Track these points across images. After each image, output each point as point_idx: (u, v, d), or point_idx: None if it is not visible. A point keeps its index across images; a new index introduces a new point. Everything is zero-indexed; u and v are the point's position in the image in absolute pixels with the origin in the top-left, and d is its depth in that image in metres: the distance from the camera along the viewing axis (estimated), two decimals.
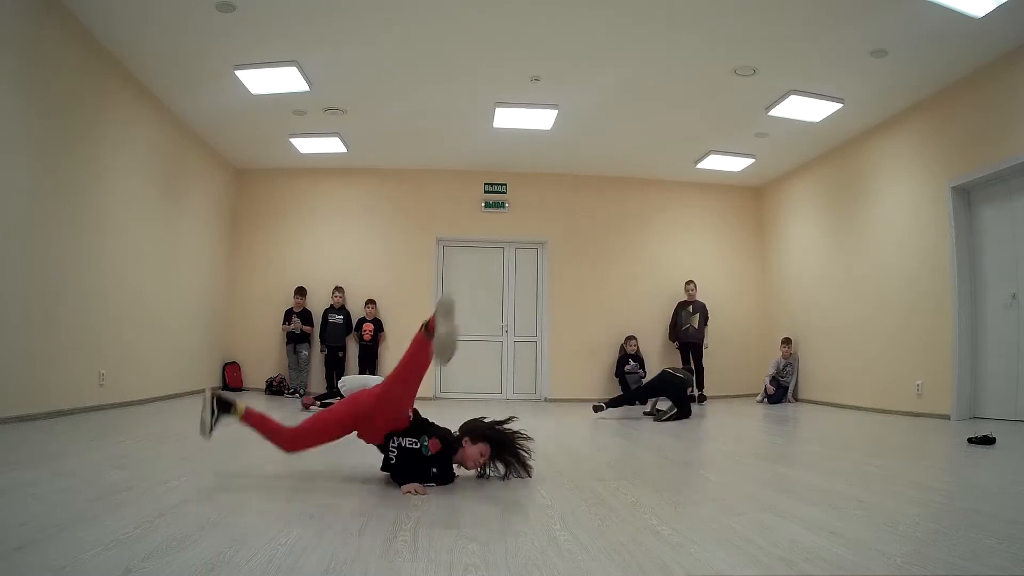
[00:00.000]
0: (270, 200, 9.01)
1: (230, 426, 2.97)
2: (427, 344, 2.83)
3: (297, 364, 8.51)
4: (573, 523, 2.22)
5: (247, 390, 8.57)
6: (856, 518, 2.30)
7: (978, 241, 6.00)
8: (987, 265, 5.91)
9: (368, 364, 8.52)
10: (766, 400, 8.36)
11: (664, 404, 6.37)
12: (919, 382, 6.37)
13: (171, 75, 6.19)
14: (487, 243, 9.24)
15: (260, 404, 7.04)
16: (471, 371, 9.02)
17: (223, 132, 7.77)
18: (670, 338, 8.97)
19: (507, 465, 2.99)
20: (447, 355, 2.78)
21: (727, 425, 5.86)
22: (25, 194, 4.71)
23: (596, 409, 6.33)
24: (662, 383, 6.28)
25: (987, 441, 4.24)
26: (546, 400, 8.85)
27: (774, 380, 8.41)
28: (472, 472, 2.99)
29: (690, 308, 8.83)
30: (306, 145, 8.10)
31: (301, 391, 8.29)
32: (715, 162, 8.55)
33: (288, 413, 5.94)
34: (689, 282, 8.93)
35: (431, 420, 3.00)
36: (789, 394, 8.39)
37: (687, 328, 8.75)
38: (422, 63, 5.99)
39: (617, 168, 9.02)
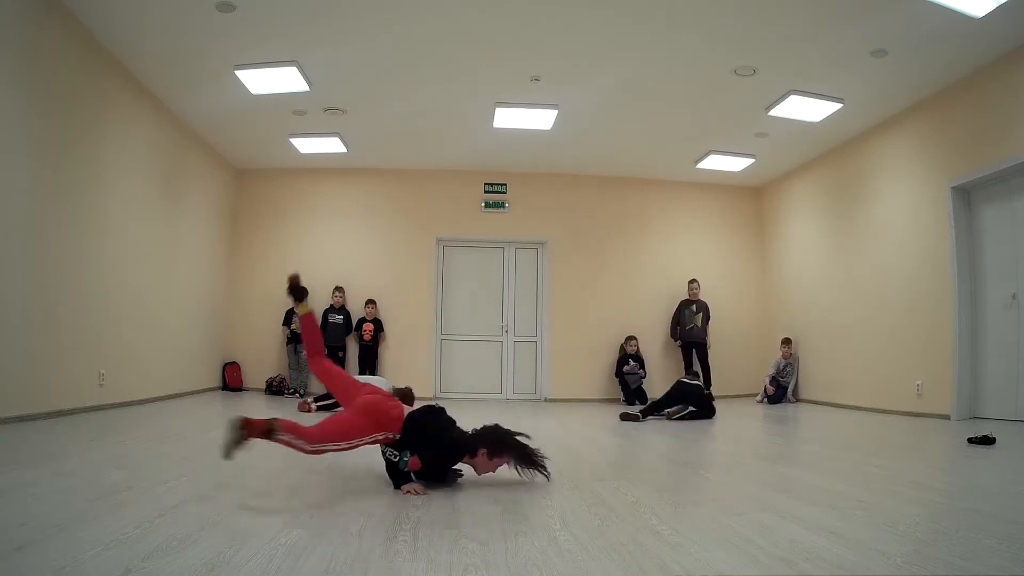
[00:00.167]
0: (270, 200, 9.01)
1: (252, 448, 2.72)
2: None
3: (297, 364, 8.51)
4: (573, 523, 2.22)
5: (247, 390, 8.58)
6: (856, 518, 2.31)
7: (978, 241, 6.00)
8: (987, 265, 5.91)
9: (368, 364, 8.52)
10: (766, 400, 8.36)
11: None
12: (919, 382, 6.37)
13: (171, 75, 6.19)
14: (487, 243, 9.24)
15: (260, 404, 7.05)
16: (471, 371, 9.03)
17: (223, 132, 7.77)
18: (672, 337, 8.97)
19: (524, 469, 2.93)
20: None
21: (727, 425, 5.86)
22: (25, 194, 4.71)
23: (630, 418, 6.04)
24: (680, 393, 6.31)
25: (987, 441, 4.24)
26: (546, 400, 8.85)
27: (774, 380, 8.41)
28: (473, 473, 2.98)
29: (693, 307, 8.83)
30: (306, 145, 8.10)
31: (301, 391, 8.30)
32: (715, 162, 8.55)
33: (287, 414, 5.94)
34: (692, 281, 8.93)
35: (443, 420, 2.96)
36: (789, 394, 8.39)
37: (691, 327, 8.76)
38: (422, 63, 5.99)
39: (617, 168, 9.02)
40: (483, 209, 9.15)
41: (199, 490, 2.59)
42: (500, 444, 2.87)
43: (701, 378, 6.69)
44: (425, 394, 8.22)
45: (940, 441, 4.76)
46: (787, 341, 8.54)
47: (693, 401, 6.21)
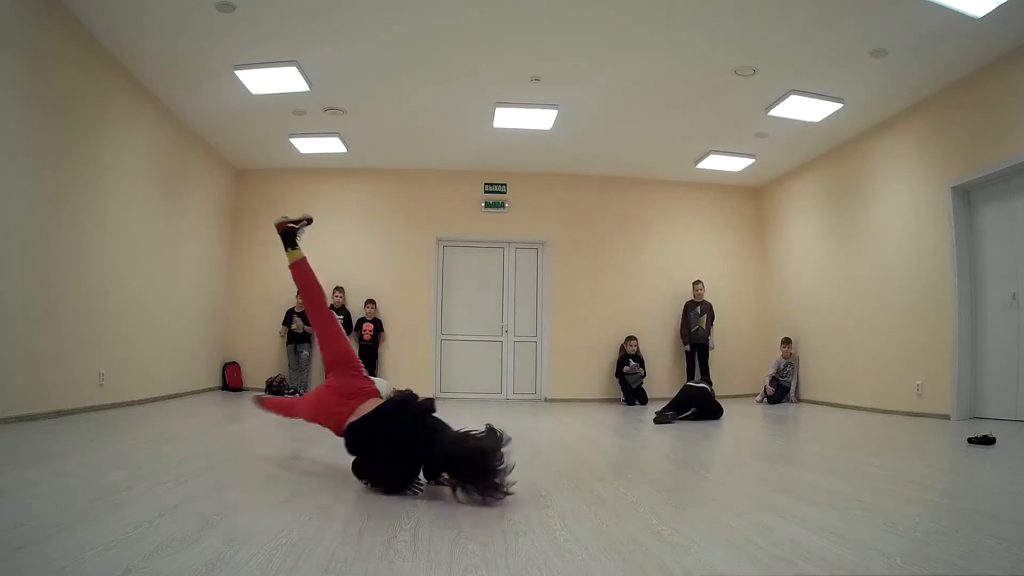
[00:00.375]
0: (270, 200, 8.98)
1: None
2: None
3: (297, 364, 8.51)
4: (573, 523, 2.21)
5: (247, 390, 8.57)
6: (856, 518, 2.30)
7: (978, 241, 6.00)
8: (987, 265, 5.91)
9: (368, 364, 8.49)
10: (766, 400, 8.36)
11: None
12: (919, 382, 6.37)
13: (171, 75, 6.19)
14: (487, 243, 9.24)
15: None
16: (471, 371, 9.03)
17: (223, 132, 7.76)
18: (683, 341, 8.95)
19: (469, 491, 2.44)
20: None
21: (727, 425, 5.85)
22: (25, 194, 4.71)
23: (662, 420, 5.87)
24: (689, 396, 6.31)
25: (987, 441, 4.24)
26: (546, 400, 8.85)
27: (774, 380, 8.41)
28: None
29: (698, 309, 8.84)
30: (306, 145, 8.10)
31: (301, 391, 8.29)
32: (715, 162, 8.54)
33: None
34: (697, 282, 8.93)
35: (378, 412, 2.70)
36: (790, 394, 8.39)
37: (696, 329, 8.77)
38: (422, 63, 5.99)
39: (617, 168, 9.02)
40: (483, 209, 9.15)
41: (199, 490, 2.59)
42: (461, 465, 2.47)
43: (713, 386, 6.71)
44: (425, 395, 8.20)
45: (940, 441, 4.76)
46: (787, 341, 8.54)
47: (698, 404, 6.22)
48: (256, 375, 8.72)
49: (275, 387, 8.45)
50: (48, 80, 4.87)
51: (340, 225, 9.03)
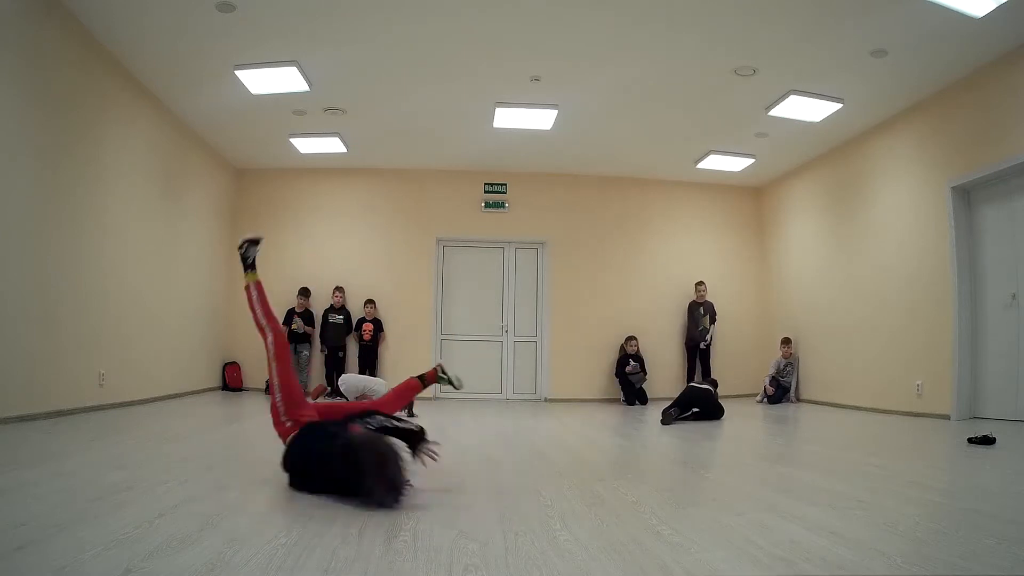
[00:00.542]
0: (270, 200, 9.00)
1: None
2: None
3: (298, 364, 8.50)
4: (573, 523, 2.21)
5: (247, 390, 8.57)
6: (856, 518, 2.30)
7: (978, 241, 6.00)
8: (987, 265, 5.91)
9: (368, 364, 8.53)
10: (766, 400, 8.35)
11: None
12: (919, 382, 6.37)
13: (171, 75, 6.19)
14: (487, 243, 9.24)
15: (260, 404, 7.03)
16: (471, 371, 8.96)
17: (223, 132, 7.76)
18: (687, 340, 8.95)
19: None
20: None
21: (727, 425, 5.85)
22: (25, 194, 4.71)
23: (667, 420, 5.82)
24: (692, 396, 6.31)
25: (987, 441, 4.24)
26: (546, 400, 8.85)
27: (774, 380, 8.40)
28: (475, 471, 2.97)
29: (701, 309, 8.85)
30: (306, 145, 8.10)
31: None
32: (715, 162, 8.54)
33: None
34: (700, 283, 8.94)
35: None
36: (790, 394, 8.39)
37: (701, 329, 8.78)
38: (422, 63, 5.99)
39: (617, 168, 9.02)
40: (483, 209, 9.15)
41: (199, 490, 2.59)
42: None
43: (716, 388, 6.70)
44: (425, 395, 8.19)
45: (940, 441, 4.76)
46: (787, 341, 8.54)
47: (701, 404, 6.22)
48: (256, 375, 8.71)
49: None
50: (48, 80, 4.87)
51: (340, 225, 9.04)
